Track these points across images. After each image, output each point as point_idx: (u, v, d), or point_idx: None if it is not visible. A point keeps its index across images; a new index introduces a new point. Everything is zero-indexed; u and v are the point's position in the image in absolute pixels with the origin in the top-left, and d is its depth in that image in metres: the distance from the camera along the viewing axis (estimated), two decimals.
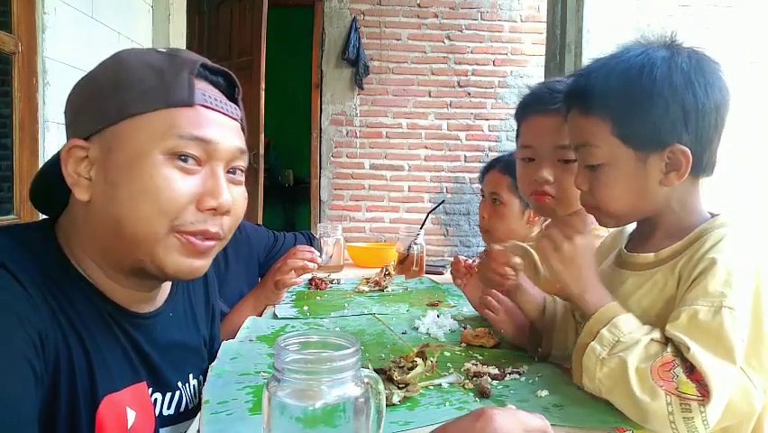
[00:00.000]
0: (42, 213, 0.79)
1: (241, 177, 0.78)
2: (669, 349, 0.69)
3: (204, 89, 0.72)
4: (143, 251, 0.70)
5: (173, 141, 0.68)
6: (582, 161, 0.84)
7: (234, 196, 0.75)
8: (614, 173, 0.79)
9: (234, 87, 0.78)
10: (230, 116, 0.75)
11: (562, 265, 0.81)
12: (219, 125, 0.72)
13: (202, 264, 0.74)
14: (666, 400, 0.65)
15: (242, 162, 0.77)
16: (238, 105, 0.78)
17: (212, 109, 0.72)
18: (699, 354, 0.66)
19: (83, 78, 0.74)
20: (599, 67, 0.81)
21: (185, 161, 0.69)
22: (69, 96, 0.74)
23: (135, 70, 0.70)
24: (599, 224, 0.89)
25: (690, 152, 0.75)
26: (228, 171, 0.75)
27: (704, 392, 0.65)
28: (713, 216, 0.81)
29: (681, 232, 0.80)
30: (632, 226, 0.92)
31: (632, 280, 0.83)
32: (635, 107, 0.76)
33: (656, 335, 0.71)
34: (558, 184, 1.10)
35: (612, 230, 1.01)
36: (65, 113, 0.75)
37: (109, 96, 0.70)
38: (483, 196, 1.66)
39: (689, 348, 0.67)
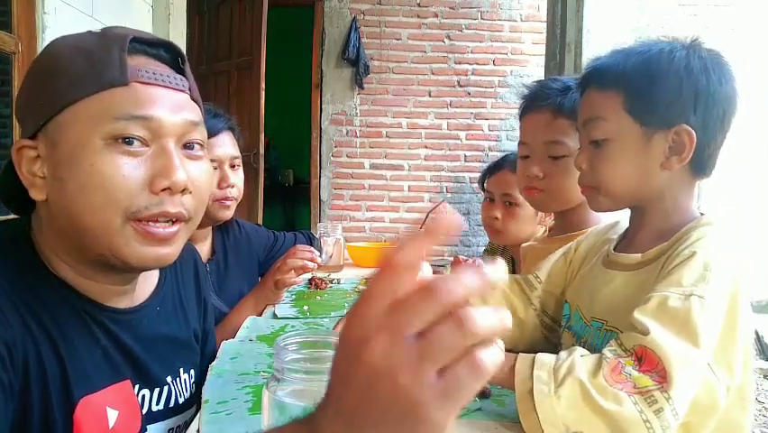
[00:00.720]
0: (16, 214, 0.78)
1: (200, 151, 0.73)
2: (608, 354, 0.67)
3: (140, 64, 0.67)
4: (103, 244, 0.67)
5: (111, 124, 0.64)
6: (587, 137, 0.84)
7: (192, 172, 0.70)
8: (618, 149, 0.80)
9: (178, 56, 0.74)
10: (174, 89, 0.70)
11: None
12: (160, 100, 0.68)
13: (169, 252, 0.71)
14: (632, 401, 0.63)
15: (198, 135, 0.72)
16: (185, 76, 0.73)
17: (150, 84, 0.67)
18: (659, 337, 0.65)
19: (24, 76, 0.72)
20: (620, 50, 0.83)
21: (129, 143, 0.65)
22: (16, 96, 0.73)
23: (65, 57, 0.67)
24: (592, 206, 0.88)
25: (694, 134, 0.76)
26: (185, 147, 0.71)
27: (660, 379, 0.64)
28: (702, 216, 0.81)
29: (669, 232, 0.80)
30: (623, 227, 0.92)
31: (619, 280, 0.82)
32: (649, 82, 0.77)
33: (580, 350, 0.71)
34: (548, 180, 1.12)
35: (600, 226, 1.01)
36: (15, 115, 0.73)
37: (44, 89, 0.67)
38: (490, 198, 1.61)
39: (648, 332, 0.66)
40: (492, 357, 0.33)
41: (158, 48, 0.72)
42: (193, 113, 0.72)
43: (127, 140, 0.65)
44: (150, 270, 0.80)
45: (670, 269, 0.72)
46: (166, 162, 0.67)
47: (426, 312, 0.32)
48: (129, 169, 0.65)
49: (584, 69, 0.89)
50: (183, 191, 0.69)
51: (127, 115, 0.65)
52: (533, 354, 0.72)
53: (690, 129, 0.76)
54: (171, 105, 0.69)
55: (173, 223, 0.70)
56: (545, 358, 0.70)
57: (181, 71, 0.73)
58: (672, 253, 0.75)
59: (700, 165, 0.79)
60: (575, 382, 0.65)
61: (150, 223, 0.68)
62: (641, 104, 0.78)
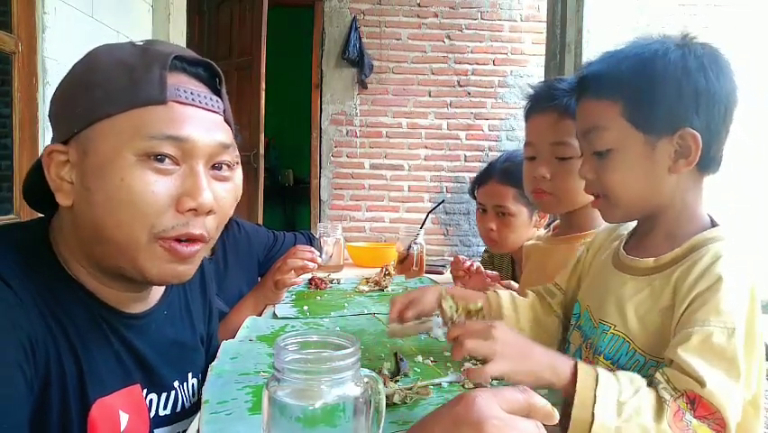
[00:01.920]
0: (39, 212, 0.78)
1: (227, 172, 0.74)
2: (667, 396, 0.67)
3: (179, 83, 0.68)
4: (126, 258, 0.68)
5: (145, 142, 0.65)
6: (590, 148, 0.82)
7: (218, 193, 0.71)
8: (622, 159, 0.78)
9: (216, 77, 0.74)
10: (209, 110, 0.71)
11: (510, 359, 0.72)
12: (195, 121, 0.68)
13: (187, 269, 0.72)
14: None
15: (228, 157, 0.73)
16: (221, 97, 0.74)
17: (187, 104, 0.68)
18: (717, 388, 0.65)
19: (62, 80, 0.72)
20: (613, 53, 0.81)
21: (161, 161, 0.66)
22: (51, 98, 0.73)
23: (105, 69, 0.67)
24: (605, 217, 0.87)
25: (699, 137, 0.74)
26: (213, 167, 0.72)
27: (718, 427, 0.64)
28: (713, 222, 0.80)
29: (681, 237, 0.79)
30: (630, 225, 0.91)
31: (631, 285, 0.81)
32: (648, 89, 0.75)
33: (641, 382, 0.69)
34: (555, 182, 1.11)
35: (606, 227, 1.00)
36: (48, 116, 0.73)
37: (80, 98, 0.67)
38: (483, 209, 1.60)
39: (704, 384, 0.65)
40: None
41: (197, 67, 0.72)
42: (225, 135, 0.73)
43: (159, 157, 0.66)
44: (166, 285, 0.81)
45: (696, 293, 0.71)
46: (194, 183, 0.68)
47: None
48: (158, 186, 0.66)
49: (576, 75, 0.86)
50: (208, 213, 0.69)
51: (162, 134, 0.65)
52: (593, 369, 0.70)
53: (695, 132, 0.74)
54: (205, 126, 0.70)
55: (194, 242, 0.71)
56: (609, 380, 0.68)
57: (217, 92, 0.74)
58: (689, 269, 0.74)
59: (707, 163, 0.78)
60: (641, 429, 0.65)
61: (175, 242, 0.68)
62: (641, 112, 0.76)
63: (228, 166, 0.74)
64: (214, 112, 0.72)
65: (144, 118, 0.65)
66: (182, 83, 0.69)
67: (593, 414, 0.66)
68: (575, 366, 0.70)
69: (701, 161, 0.76)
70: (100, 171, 0.65)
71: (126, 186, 0.64)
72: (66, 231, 0.72)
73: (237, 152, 1.50)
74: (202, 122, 0.69)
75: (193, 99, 0.69)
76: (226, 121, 0.75)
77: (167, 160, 0.66)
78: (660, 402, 0.66)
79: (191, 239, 0.69)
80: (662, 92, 0.75)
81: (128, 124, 0.65)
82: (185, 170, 0.68)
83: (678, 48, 0.76)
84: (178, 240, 0.68)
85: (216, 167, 0.72)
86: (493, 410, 0.48)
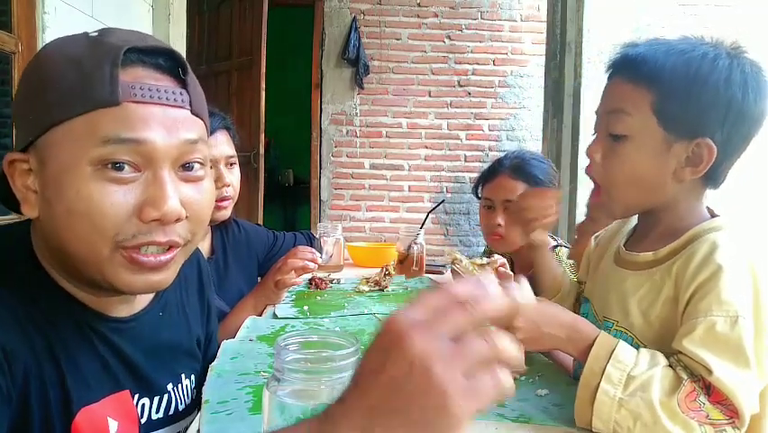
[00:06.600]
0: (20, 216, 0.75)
1: (200, 171, 0.67)
2: (685, 376, 0.67)
3: (134, 80, 0.61)
4: (93, 270, 0.64)
5: (99, 149, 0.59)
6: (606, 129, 0.81)
7: (189, 197, 0.66)
8: (634, 149, 0.77)
9: (180, 66, 0.66)
10: (171, 105, 0.63)
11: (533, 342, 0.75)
12: (154, 121, 0.62)
13: (162, 278, 0.67)
14: (701, 430, 0.64)
15: (198, 154, 0.66)
16: (186, 88, 0.66)
17: (144, 103, 0.61)
18: (724, 375, 0.65)
19: (17, 84, 0.67)
20: (660, 42, 0.79)
21: (120, 168, 0.60)
22: (12, 104, 0.70)
23: (55, 68, 0.61)
24: (607, 214, 0.88)
25: (716, 150, 0.74)
26: (184, 167, 0.66)
27: (731, 413, 0.65)
28: (712, 215, 0.80)
29: (680, 231, 0.79)
30: (632, 222, 0.91)
31: (632, 280, 0.82)
32: (685, 87, 0.74)
33: (663, 361, 0.70)
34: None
35: (612, 225, 1.01)
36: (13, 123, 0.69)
37: (33, 104, 0.62)
38: (489, 205, 1.59)
39: (711, 371, 0.65)
40: (508, 381, 0.38)
41: (157, 57, 0.65)
42: (192, 130, 0.66)
43: (117, 165, 0.60)
44: (141, 294, 0.75)
45: (698, 283, 0.71)
46: (157, 192, 0.62)
47: (462, 322, 0.38)
48: (117, 197, 0.61)
49: (617, 52, 0.83)
50: (175, 221, 0.64)
51: (117, 137, 0.60)
52: (615, 341, 0.71)
53: (713, 145, 0.74)
54: (167, 124, 0.63)
55: (167, 250, 0.65)
56: (625, 355, 0.69)
57: (182, 82, 0.67)
58: (688, 260, 0.74)
59: (713, 178, 0.78)
60: (644, 405, 0.65)
61: (138, 252, 0.63)
62: (671, 107, 0.75)
63: (200, 164, 0.68)
64: (178, 107, 0.65)
65: (97, 122, 0.59)
66: (138, 78, 0.62)
67: (599, 384, 0.67)
68: (595, 336, 0.72)
69: (708, 173, 0.76)
70: (57, 182, 0.61)
71: (83, 198, 0.60)
72: (39, 239, 0.69)
73: (234, 152, 1.51)
74: (162, 120, 0.63)
75: (151, 96, 0.62)
76: (195, 113, 0.67)
77: (126, 167, 0.61)
78: (677, 380, 0.67)
79: (161, 246, 0.64)
80: (698, 95, 0.73)
81: (81, 129, 0.60)
82: (147, 177, 0.62)
83: (728, 57, 0.75)
84: (141, 248, 0.63)
85: (187, 167, 0.66)
86: (417, 322, 0.37)
